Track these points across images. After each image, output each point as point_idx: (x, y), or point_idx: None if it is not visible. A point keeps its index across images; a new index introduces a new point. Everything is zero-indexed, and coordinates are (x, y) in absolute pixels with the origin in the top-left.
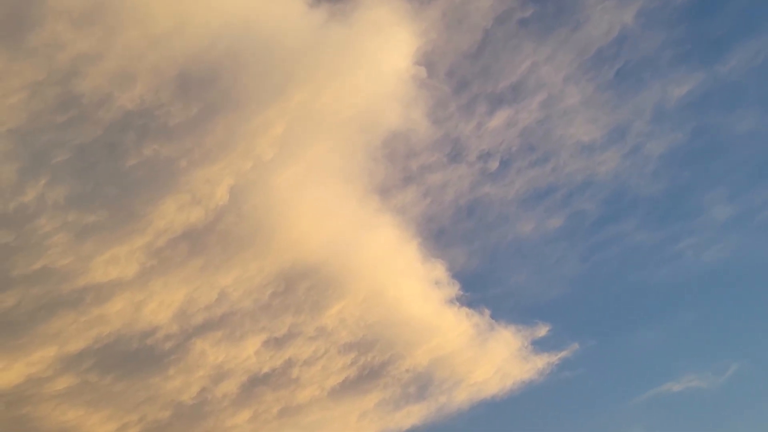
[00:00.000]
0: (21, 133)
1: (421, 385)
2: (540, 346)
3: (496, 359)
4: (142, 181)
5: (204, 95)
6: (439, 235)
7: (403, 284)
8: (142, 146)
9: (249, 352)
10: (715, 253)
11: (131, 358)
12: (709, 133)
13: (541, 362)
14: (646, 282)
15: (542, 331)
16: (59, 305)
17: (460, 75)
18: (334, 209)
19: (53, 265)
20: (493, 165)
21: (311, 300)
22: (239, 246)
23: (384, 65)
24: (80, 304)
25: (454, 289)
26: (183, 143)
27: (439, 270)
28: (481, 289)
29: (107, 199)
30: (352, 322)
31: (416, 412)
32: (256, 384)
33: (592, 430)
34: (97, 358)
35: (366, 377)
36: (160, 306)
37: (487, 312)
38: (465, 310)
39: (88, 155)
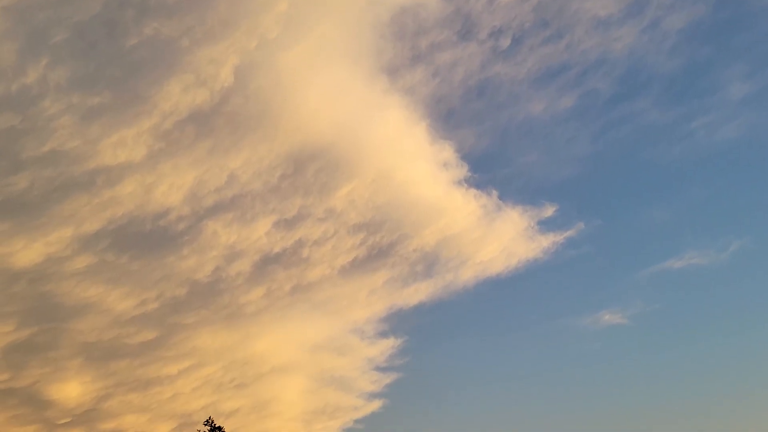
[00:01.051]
0: (17, 11)
1: (429, 264)
2: (546, 226)
3: (502, 239)
4: (145, 61)
5: None
6: (448, 116)
7: (411, 166)
8: (142, 24)
9: (260, 233)
10: (728, 131)
11: (146, 239)
12: (733, 4)
13: (546, 241)
14: (657, 161)
15: (549, 211)
16: (71, 187)
17: None
18: (342, 90)
19: (61, 147)
20: (505, 42)
21: (320, 182)
22: (247, 128)
23: None
24: (92, 187)
25: (462, 171)
26: (184, 21)
27: (447, 151)
28: (489, 170)
29: (110, 81)
30: (361, 204)
31: (423, 289)
32: (268, 263)
33: (593, 305)
34: (113, 239)
35: (375, 256)
36: (171, 188)
37: (495, 193)
38: (473, 191)
39: (88, 34)
